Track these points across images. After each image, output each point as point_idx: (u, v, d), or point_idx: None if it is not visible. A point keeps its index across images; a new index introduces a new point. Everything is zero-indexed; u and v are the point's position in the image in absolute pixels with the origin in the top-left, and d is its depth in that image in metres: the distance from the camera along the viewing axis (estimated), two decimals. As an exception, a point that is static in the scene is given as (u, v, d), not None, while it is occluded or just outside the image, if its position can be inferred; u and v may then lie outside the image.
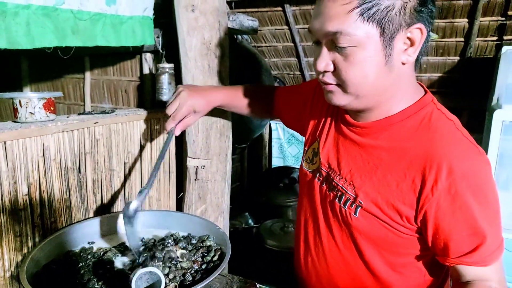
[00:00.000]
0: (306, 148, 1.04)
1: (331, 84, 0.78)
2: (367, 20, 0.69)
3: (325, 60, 0.76)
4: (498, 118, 1.60)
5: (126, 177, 1.34)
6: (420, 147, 0.75)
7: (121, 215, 1.03)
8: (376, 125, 0.82)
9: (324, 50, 0.76)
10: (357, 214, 0.82)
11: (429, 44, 0.80)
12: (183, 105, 1.08)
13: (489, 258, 0.74)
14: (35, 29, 1.00)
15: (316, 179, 0.94)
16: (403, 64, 0.75)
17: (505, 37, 2.20)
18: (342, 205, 0.85)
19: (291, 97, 1.17)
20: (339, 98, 0.79)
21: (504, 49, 1.95)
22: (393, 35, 0.71)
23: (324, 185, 0.91)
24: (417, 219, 0.76)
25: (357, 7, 0.68)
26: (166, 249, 0.94)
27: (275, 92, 1.23)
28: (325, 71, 0.77)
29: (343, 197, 0.84)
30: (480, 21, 2.20)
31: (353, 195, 0.82)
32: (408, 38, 0.73)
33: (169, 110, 1.10)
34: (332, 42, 0.73)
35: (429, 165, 0.73)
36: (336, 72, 0.76)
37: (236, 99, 1.22)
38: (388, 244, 0.83)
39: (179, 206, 1.58)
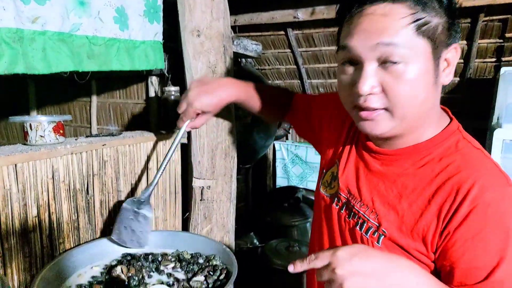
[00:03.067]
0: (324, 171, 0.98)
1: (376, 109, 0.71)
2: (422, 35, 0.66)
3: (371, 80, 0.68)
4: (499, 137, 1.62)
5: (133, 198, 1.36)
6: (447, 174, 0.72)
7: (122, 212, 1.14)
8: (402, 152, 0.78)
9: (369, 69, 0.69)
10: (380, 243, 0.77)
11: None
12: (189, 108, 1.05)
13: None
14: (52, 55, 1.04)
15: (334, 204, 0.89)
16: (442, 85, 0.73)
17: (503, 59, 2.24)
18: (363, 233, 0.80)
19: (311, 105, 1.12)
20: (384, 125, 0.72)
21: (503, 70, 1.98)
22: (441, 53, 0.69)
23: (343, 211, 0.86)
24: (437, 245, 0.72)
25: (413, 21, 0.65)
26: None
27: (294, 97, 1.19)
28: (370, 94, 0.69)
29: (365, 225, 0.80)
30: (479, 43, 2.25)
31: (376, 224, 0.78)
32: (445, 58, 0.71)
33: (179, 109, 1.08)
34: (380, 59, 0.67)
35: (456, 192, 0.69)
36: (384, 94, 0.69)
37: (251, 95, 1.15)
38: None
39: (185, 226, 1.58)
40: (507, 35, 2.12)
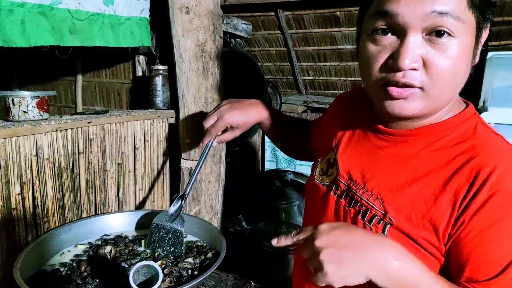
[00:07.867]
0: (319, 160, 0.92)
1: (411, 87, 0.63)
2: (473, 7, 0.59)
3: (415, 54, 0.61)
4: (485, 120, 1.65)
5: (120, 178, 1.34)
6: (465, 158, 0.65)
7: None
8: (416, 133, 0.71)
9: (414, 40, 0.60)
10: (386, 233, 0.69)
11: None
12: (220, 121, 1.04)
13: None
14: (31, 28, 1.00)
15: (332, 192, 0.82)
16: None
17: (490, 43, 2.25)
18: (366, 223, 0.72)
19: (321, 122, 1.06)
20: (415, 105, 0.65)
21: (489, 54, 1.99)
22: (482, 31, 0.63)
23: (342, 200, 0.79)
24: (449, 235, 0.65)
25: None
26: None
27: (311, 124, 1.14)
28: (410, 69, 0.62)
29: (368, 213, 0.72)
30: (468, 27, 2.25)
31: (382, 211, 0.70)
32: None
33: (206, 124, 1.07)
34: (428, 29, 0.60)
35: (474, 176, 0.63)
36: (426, 69, 0.62)
37: (277, 121, 1.12)
38: None
39: (172, 208, 1.57)
40: (495, 19, 2.13)
